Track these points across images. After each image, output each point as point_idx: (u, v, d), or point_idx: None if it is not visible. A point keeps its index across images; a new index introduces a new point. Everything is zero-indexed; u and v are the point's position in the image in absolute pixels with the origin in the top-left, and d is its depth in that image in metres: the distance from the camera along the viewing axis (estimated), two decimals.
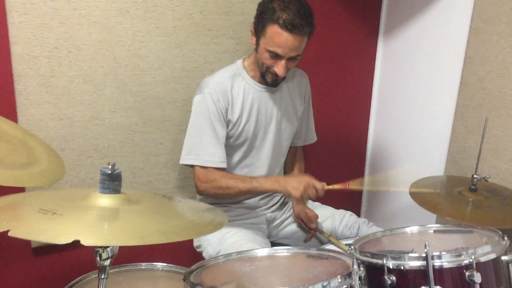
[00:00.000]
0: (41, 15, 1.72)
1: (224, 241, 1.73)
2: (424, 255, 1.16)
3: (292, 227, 1.93)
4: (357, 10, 2.29)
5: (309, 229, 1.88)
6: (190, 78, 1.99)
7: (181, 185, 2.09)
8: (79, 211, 0.99)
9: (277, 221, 1.92)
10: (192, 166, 1.74)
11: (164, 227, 0.95)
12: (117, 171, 1.05)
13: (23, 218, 0.94)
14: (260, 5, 1.65)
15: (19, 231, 0.86)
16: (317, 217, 1.87)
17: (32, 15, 1.70)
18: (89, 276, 1.45)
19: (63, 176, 1.34)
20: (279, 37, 1.57)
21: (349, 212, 1.95)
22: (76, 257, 1.91)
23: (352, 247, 1.28)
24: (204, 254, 1.82)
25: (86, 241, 0.86)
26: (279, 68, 1.63)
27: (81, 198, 1.06)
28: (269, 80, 1.70)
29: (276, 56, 1.62)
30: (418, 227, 1.42)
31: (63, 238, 0.85)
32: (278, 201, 1.92)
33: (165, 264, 1.54)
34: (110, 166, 1.04)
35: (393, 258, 1.19)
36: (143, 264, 1.53)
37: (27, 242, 1.87)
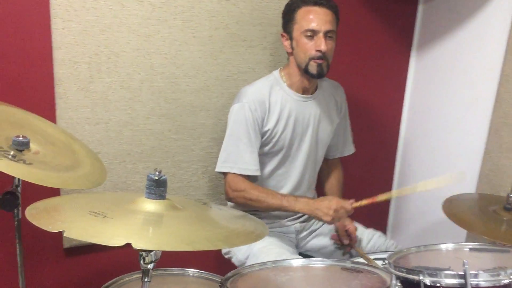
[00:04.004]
0: (83, 22, 1.76)
1: (253, 245, 1.75)
2: (462, 273, 1.16)
3: (319, 240, 1.94)
4: (391, 24, 2.30)
5: (343, 244, 1.88)
6: (224, 87, 2.02)
7: (210, 192, 2.11)
8: (127, 215, 1.02)
9: (305, 232, 1.93)
10: (225, 174, 1.77)
11: (210, 235, 0.97)
12: (163, 177, 1.07)
13: (75, 220, 0.97)
14: (284, 9, 1.78)
15: (73, 233, 0.89)
16: (355, 229, 1.87)
17: (75, 21, 1.75)
18: (122, 278, 1.48)
19: (105, 180, 1.37)
20: (309, 14, 1.67)
21: (378, 233, 1.94)
22: (107, 259, 1.94)
23: (387, 261, 1.29)
24: (233, 260, 1.83)
25: (137, 245, 0.88)
26: (320, 44, 1.66)
27: (128, 202, 1.09)
28: (314, 71, 1.71)
29: (313, 34, 1.67)
30: (453, 244, 1.41)
31: (115, 241, 0.88)
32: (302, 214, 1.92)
33: (196, 270, 1.56)
34: (157, 173, 1.07)
35: (430, 275, 1.19)
36: (175, 269, 1.56)
37: (58, 243, 1.91)
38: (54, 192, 1.77)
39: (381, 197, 1.68)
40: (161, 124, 1.97)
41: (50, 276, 1.94)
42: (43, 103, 1.77)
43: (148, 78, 1.90)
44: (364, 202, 1.68)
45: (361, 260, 1.63)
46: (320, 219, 1.70)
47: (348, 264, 1.28)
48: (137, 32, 1.85)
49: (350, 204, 1.67)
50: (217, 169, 1.78)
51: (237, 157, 1.74)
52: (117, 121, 1.90)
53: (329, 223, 1.72)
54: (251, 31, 2.02)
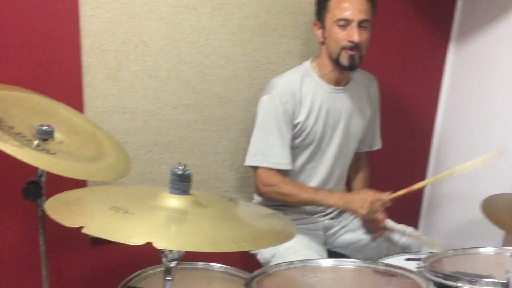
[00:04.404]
0: (112, 10, 1.73)
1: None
2: (505, 281, 1.08)
3: (349, 236, 1.87)
4: (429, 14, 2.20)
5: (378, 229, 1.81)
6: (252, 77, 1.97)
7: (237, 185, 2.06)
8: (149, 211, 0.98)
9: (334, 229, 1.86)
10: (255, 168, 1.72)
11: (236, 235, 0.92)
12: (187, 172, 1.03)
13: (95, 215, 0.94)
14: None
15: (92, 229, 0.86)
16: (385, 217, 1.81)
17: (103, 9, 1.72)
18: (146, 271, 1.45)
19: (129, 172, 1.34)
20: (344, 2, 1.60)
21: (410, 229, 1.86)
22: (132, 250, 1.91)
23: (422, 264, 1.21)
24: (258, 257, 1.79)
25: (159, 244, 0.84)
26: (353, 34, 1.59)
27: (151, 197, 1.05)
28: (345, 62, 1.64)
29: (346, 24, 1.60)
30: (494, 248, 1.33)
31: (136, 239, 0.84)
32: (336, 209, 1.86)
33: (221, 265, 1.53)
34: (181, 167, 1.02)
35: (470, 282, 1.11)
36: (200, 263, 1.53)
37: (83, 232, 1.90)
38: (80, 183, 1.76)
39: (418, 185, 1.63)
40: (188, 115, 1.93)
41: (78, 264, 1.94)
42: (70, 91, 1.76)
43: (176, 67, 1.86)
44: (401, 192, 1.63)
45: (393, 261, 1.54)
46: (355, 212, 1.64)
47: (380, 267, 1.22)
48: (165, 20, 1.80)
49: (387, 196, 1.62)
50: (247, 163, 1.73)
51: (267, 151, 1.68)
52: (144, 111, 1.87)
53: (365, 216, 1.65)
54: (282, 20, 1.95)
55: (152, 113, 1.88)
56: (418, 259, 1.32)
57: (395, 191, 1.66)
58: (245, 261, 1.80)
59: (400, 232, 1.76)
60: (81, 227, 0.86)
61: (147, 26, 1.78)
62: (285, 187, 1.66)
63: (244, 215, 1.16)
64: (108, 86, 1.80)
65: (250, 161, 1.72)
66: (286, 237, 0.96)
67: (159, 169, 1.94)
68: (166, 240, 0.87)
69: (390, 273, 1.20)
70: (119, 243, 2.01)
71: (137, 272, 1.44)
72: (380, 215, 1.78)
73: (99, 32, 1.74)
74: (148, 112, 1.87)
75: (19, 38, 1.67)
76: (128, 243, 0.83)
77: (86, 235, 1.86)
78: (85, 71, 1.76)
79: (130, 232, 0.87)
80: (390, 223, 1.86)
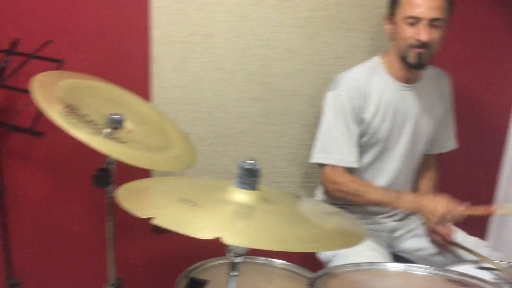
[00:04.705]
0: (181, 1, 1.74)
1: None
2: None
3: (414, 242, 1.78)
4: (508, 12, 2.06)
5: (444, 242, 1.71)
6: (318, 72, 1.92)
7: (298, 180, 2.03)
8: (217, 205, 0.97)
9: (399, 232, 1.79)
10: (321, 165, 1.68)
11: (305, 235, 0.89)
12: (257, 167, 1.01)
13: (165, 206, 0.94)
14: None
15: (162, 220, 0.85)
16: (452, 231, 1.71)
17: (174, 0, 1.73)
18: (206, 263, 1.45)
19: (195, 163, 1.34)
20: None
21: (484, 243, 1.74)
22: (192, 240, 1.94)
23: (500, 275, 1.13)
24: (318, 254, 1.75)
25: (228, 240, 0.82)
26: (421, 33, 1.51)
27: (218, 190, 1.04)
28: (412, 60, 1.56)
29: (415, 22, 1.52)
30: None
31: (205, 233, 0.83)
32: (403, 211, 1.78)
33: (282, 261, 1.50)
34: (251, 161, 1.00)
35: None
36: (261, 258, 1.51)
37: (147, 220, 1.94)
38: (143, 172, 1.79)
39: (502, 211, 1.47)
40: (252, 108, 1.91)
41: (135, 253, 1.99)
42: (138, 81, 1.79)
43: (241, 60, 1.85)
44: (478, 211, 1.47)
45: (464, 269, 1.45)
46: (425, 218, 1.53)
47: (454, 275, 1.15)
48: (233, 12, 1.80)
49: (462, 210, 1.48)
50: (312, 160, 1.69)
51: (333, 148, 1.64)
52: (208, 103, 1.87)
53: (434, 225, 1.57)
54: (351, 13, 1.89)
55: (216, 105, 1.88)
56: (493, 269, 1.24)
57: (461, 197, 1.51)
58: (305, 257, 1.77)
59: (467, 250, 1.62)
60: (151, 218, 0.86)
61: (215, 18, 1.78)
62: (351, 186, 1.60)
63: (312, 214, 1.12)
64: (174, 77, 1.81)
65: (315, 158, 1.68)
66: (357, 239, 0.92)
67: (221, 161, 1.94)
68: (234, 235, 0.85)
69: (465, 282, 1.13)
70: (178, 233, 2.04)
71: (198, 263, 1.45)
72: (448, 228, 1.68)
73: (168, 23, 1.75)
74: (212, 104, 1.88)
75: (92, 29, 1.72)
76: (198, 237, 0.82)
77: (147, 223, 1.93)
78: (154, 62, 1.78)
79: (199, 225, 0.86)
80: (459, 235, 1.73)
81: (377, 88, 1.64)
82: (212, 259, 1.47)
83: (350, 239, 0.93)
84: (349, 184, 1.61)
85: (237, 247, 0.98)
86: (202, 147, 1.90)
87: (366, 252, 1.57)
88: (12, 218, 1.81)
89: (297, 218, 1.02)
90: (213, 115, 1.89)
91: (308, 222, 1.01)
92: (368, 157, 1.69)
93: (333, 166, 1.64)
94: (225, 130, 1.92)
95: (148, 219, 1.89)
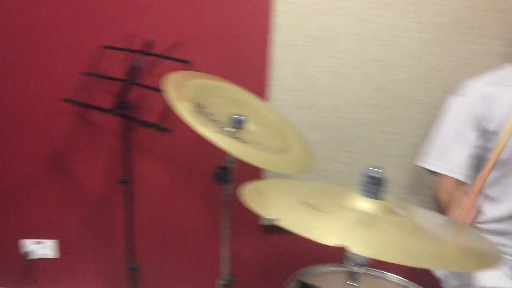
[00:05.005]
0: (304, 5, 1.75)
1: (474, 273, 1.50)
2: None
3: None
4: None
5: None
6: (442, 79, 1.82)
7: (411, 191, 1.94)
8: (340, 212, 0.95)
9: None
10: (434, 172, 1.59)
11: (438, 251, 0.84)
12: (383, 175, 0.97)
13: (288, 209, 0.94)
14: None
15: (287, 223, 0.86)
16: None
17: (297, 4, 1.75)
18: (317, 269, 1.43)
19: (312, 168, 1.34)
20: None
21: None
22: (303, 243, 1.94)
23: None
24: (445, 285, 1.64)
25: (354, 249, 0.80)
26: None
27: (338, 196, 1.02)
28: None
29: None
30: None
31: (330, 239, 0.82)
32: None
33: (396, 276, 1.44)
34: (377, 169, 0.97)
35: None
36: (373, 269, 1.46)
37: (256, 219, 1.97)
38: (257, 173, 1.82)
39: None
40: (368, 114, 1.87)
41: (247, 251, 2.03)
42: (257, 83, 1.83)
43: (361, 65, 1.81)
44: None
45: None
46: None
47: None
48: (356, 17, 1.77)
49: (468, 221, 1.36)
50: (423, 164, 1.61)
51: (448, 157, 1.54)
52: (324, 107, 1.86)
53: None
54: (484, 17, 1.76)
55: (332, 110, 1.86)
56: None
57: None
58: (422, 274, 1.68)
59: None
60: (274, 219, 0.86)
61: (337, 22, 1.77)
62: (443, 197, 1.50)
63: (439, 229, 1.06)
64: (293, 81, 1.82)
65: (427, 163, 1.60)
66: (492, 262, 0.85)
67: (334, 167, 1.92)
68: (359, 244, 0.83)
69: None
70: (290, 235, 2.05)
71: (308, 268, 1.43)
72: None
73: (290, 27, 1.77)
74: (328, 108, 1.86)
75: (217, 33, 1.79)
76: (322, 243, 0.81)
77: (259, 223, 1.96)
78: (274, 65, 1.81)
79: (323, 230, 0.85)
80: None
81: (506, 98, 1.51)
82: (323, 265, 1.45)
83: (485, 261, 0.86)
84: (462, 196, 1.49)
85: (359, 257, 0.96)
86: (315, 151, 1.90)
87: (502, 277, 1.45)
88: (137, 208, 1.93)
89: (426, 233, 0.97)
90: (328, 119, 1.87)
91: (439, 239, 0.95)
92: (495, 172, 1.56)
93: (445, 175, 1.54)
94: (339, 135, 1.89)
95: (259, 219, 1.93)
